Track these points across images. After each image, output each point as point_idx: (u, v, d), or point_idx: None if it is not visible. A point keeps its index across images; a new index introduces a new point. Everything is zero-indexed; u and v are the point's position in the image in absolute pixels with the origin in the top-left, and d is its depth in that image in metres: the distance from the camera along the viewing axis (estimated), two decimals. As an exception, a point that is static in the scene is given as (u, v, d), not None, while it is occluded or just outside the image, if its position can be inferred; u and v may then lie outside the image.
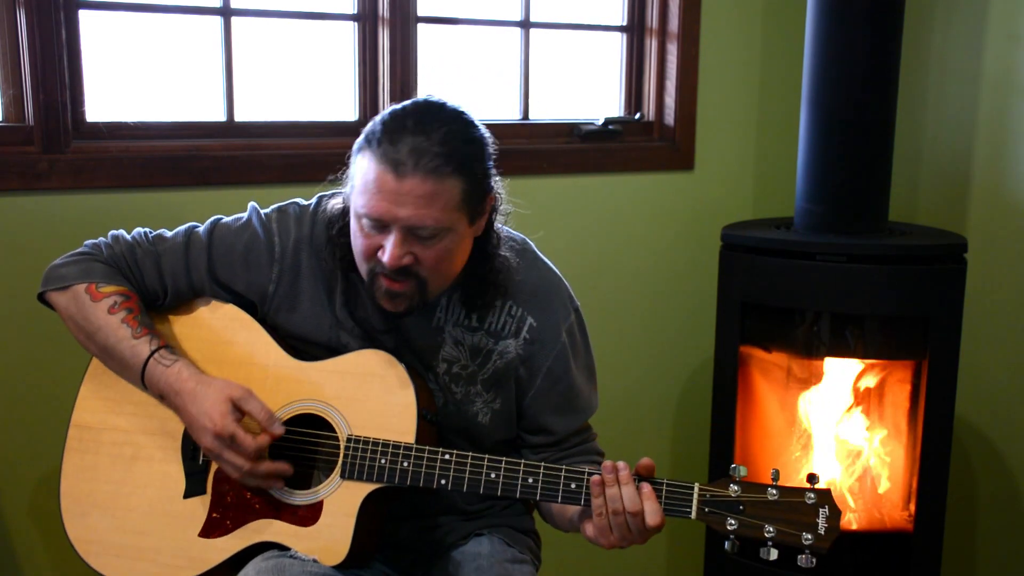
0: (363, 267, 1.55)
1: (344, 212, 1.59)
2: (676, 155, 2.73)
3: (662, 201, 2.74)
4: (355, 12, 2.34)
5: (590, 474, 1.48)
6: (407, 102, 1.52)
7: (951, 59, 2.72)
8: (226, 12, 2.20)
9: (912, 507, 2.43)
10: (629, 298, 2.74)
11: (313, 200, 1.69)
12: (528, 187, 2.53)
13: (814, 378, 2.48)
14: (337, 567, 1.51)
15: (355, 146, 1.53)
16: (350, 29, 2.35)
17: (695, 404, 2.86)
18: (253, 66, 2.26)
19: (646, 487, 1.44)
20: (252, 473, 1.54)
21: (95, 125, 2.08)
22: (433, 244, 1.49)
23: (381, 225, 1.48)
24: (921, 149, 2.81)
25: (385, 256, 1.48)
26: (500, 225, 1.65)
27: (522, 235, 1.72)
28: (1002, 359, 2.67)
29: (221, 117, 2.22)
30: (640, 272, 2.75)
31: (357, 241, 1.53)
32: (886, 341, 2.48)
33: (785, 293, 2.42)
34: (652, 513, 1.43)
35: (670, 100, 2.71)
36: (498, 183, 1.60)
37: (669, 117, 2.72)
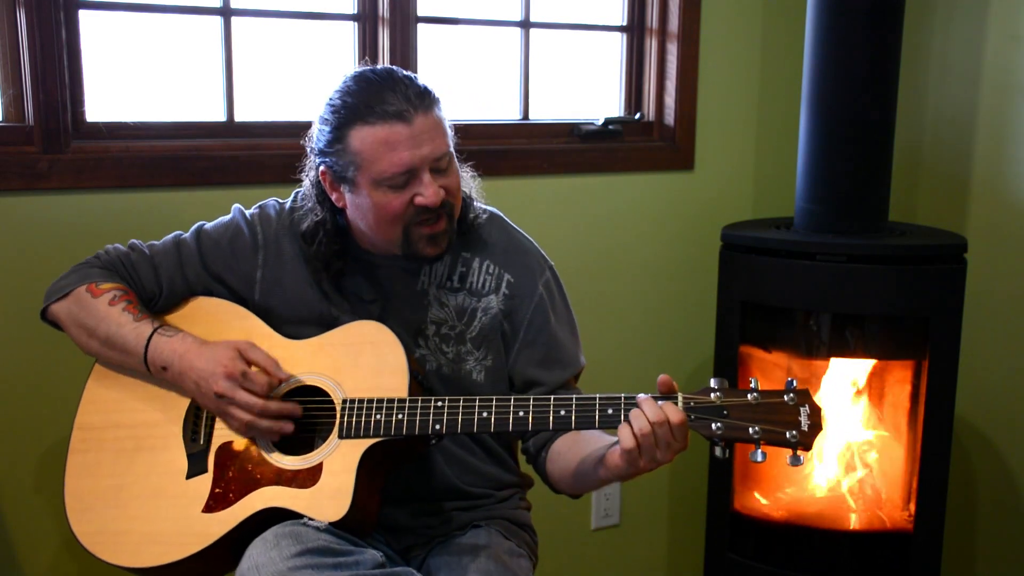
0: (394, 230, 1.62)
1: (318, 220, 1.67)
2: (676, 155, 2.73)
3: (662, 201, 2.74)
4: (355, 12, 2.34)
5: (581, 399, 1.52)
6: (347, 78, 1.64)
7: (951, 59, 2.72)
8: (226, 12, 2.20)
9: (912, 507, 2.43)
10: (629, 298, 2.74)
11: (290, 198, 1.79)
12: (528, 187, 2.53)
13: (814, 378, 2.48)
14: (339, 525, 1.52)
15: (327, 129, 1.61)
16: (350, 29, 2.35)
17: (695, 404, 2.86)
18: (253, 66, 2.26)
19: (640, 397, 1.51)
20: (265, 411, 1.58)
21: (95, 125, 2.08)
22: (449, 172, 1.62)
23: (407, 176, 1.57)
24: (921, 149, 2.81)
25: (427, 197, 1.58)
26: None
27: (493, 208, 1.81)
28: (1002, 359, 2.67)
29: (221, 117, 2.22)
30: (640, 272, 2.74)
31: (382, 211, 1.60)
32: (886, 341, 2.48)
33: (785, 293, 2.42)
34: (673, 412, 1.49)
35: (670, 100, 2.71)
36: None
37: (669, 117, 2.72)
